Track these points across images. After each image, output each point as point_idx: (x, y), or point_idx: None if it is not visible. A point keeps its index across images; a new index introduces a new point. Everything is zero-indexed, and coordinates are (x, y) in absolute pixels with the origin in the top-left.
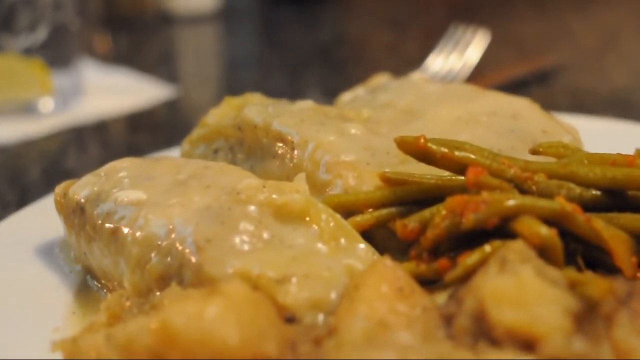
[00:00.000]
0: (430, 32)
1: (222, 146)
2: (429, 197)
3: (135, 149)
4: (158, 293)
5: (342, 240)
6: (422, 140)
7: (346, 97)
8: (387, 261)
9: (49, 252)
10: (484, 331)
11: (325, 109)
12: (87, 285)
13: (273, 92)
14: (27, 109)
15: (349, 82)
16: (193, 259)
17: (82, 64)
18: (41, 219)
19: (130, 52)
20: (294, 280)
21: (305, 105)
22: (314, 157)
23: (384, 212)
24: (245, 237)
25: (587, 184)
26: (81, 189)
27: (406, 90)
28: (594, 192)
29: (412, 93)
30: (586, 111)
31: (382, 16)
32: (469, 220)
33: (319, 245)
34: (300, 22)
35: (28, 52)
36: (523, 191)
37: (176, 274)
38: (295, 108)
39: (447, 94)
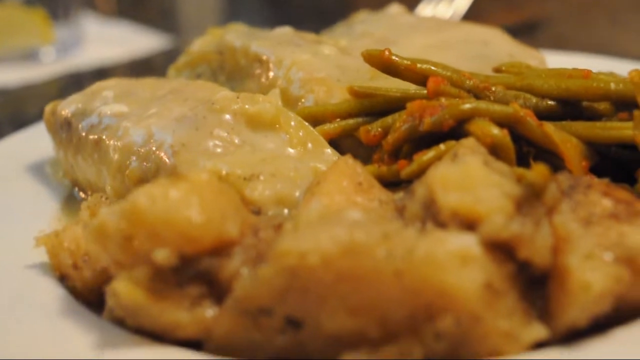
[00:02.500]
0: None
1: (205, 70)
2: (394, 107)
3: None
4: None
5: (309, 145)
6: (386, 53)
7: (326, 33)
8: (348, 159)
9: (39, 169)
10: (432, 215)
11: (302, 34)
12: (73, 197)
13: None
14: (29, 57)
15: None
16: (168, 162)
17: (83, 17)
18: (33, 141)
19: (132, 9)
20: (261, 177)
21: (283, 31)
22: (288, 74)
23: (351, 121)
24: (218, 142)
25: (542, 95)
26: (68, 105)
27: (382, 21)
28: (549, 102)
29: (387, 24)
30: None
31: None
32: (427, 122)
33: (288, 149)
34: None
35: (30, 2)
36: (480, 100)
37: (153, 176)
38: (274, 33)
39: (420, 25)
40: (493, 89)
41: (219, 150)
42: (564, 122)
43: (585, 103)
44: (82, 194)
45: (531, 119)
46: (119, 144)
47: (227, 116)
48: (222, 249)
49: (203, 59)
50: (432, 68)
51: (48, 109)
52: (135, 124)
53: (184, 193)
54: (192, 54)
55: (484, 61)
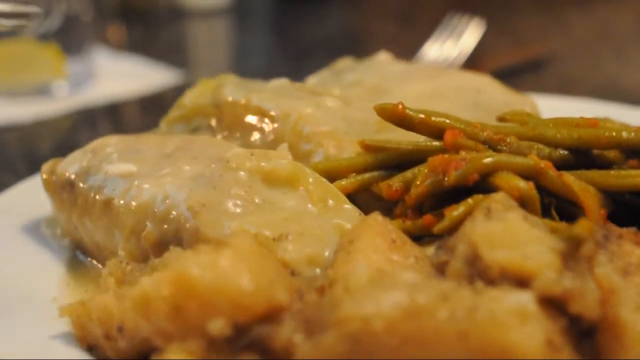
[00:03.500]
0: (430, 23)
1: (201, 124)
2: (408, 160)
3: (144, 130)
4: (155, 258)
5: (330, 202)
6: (400, 107)
7: (312, 80)
8: (378, 217)
9: (35, 230)
10: (478, 273)
11: (299, 86)
12: (77, 259)
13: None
14: (42, 92)
15: None
16: (190, 223)
17: (95, 51)
18: (28, 196)
19: (143, 43)
20: (289, 237)
21: (280, 82)
22: (295, 128)
23: (367, 176)
24: (238, 201)
25: (555, 144)
26: (70, 165)
27: (372, 70)
28: (561, 151)
29: (377, 72)
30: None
31: (386, 9)
32: (452, 176)
33: (309, 206)
34: (309, 16)
35: (43, 38)
36: (497, 152)
37: (173, 238)
38: (271, 85)
39: (411, 73)
40: (507, 140)
41: (239, 210)
42: (579, 172)
43: (595, 151)
44: (87, 257)
45: (551, 170)
46: (132, 205)
47: (243, 174)
48: (272, 316)
49: (198, 112)
50: (447, 121)
51: (46, 168)
52: (148, 184)
53: (233, 260)
54: (184, 107)
55: (479, 109)
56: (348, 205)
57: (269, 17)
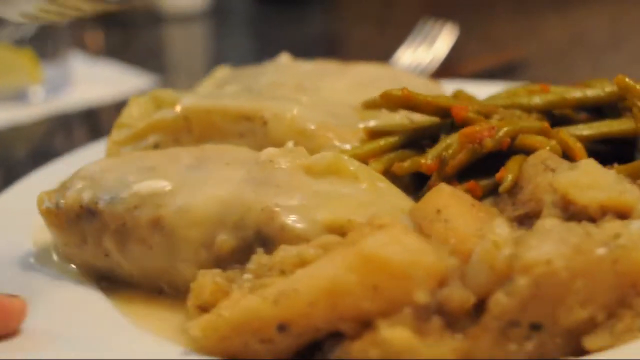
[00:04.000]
0: (407, 28)
1: (163, 139)
2: (419, 138)
3: None
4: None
5: (380, 184)
6: (406, 92)
7: (201, 87)
8: (446, 187)
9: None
10: (571, 216)
11: (244, 92)
12: (106, 288)
13: None
14: (17, 97)
15: None
16: (272, 224)
17: (71, 56)
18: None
19: (120, 48)
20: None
21: (233, 88)
22: (295, 126)
23: (385, 158)
24: (301, 196)
25: (529, 109)
26: (78, 194)
27: (283, 71)
28: (535, 114)
29: (290, 72)
30: None
31: (363, 13)
32: (489, 143)
33: (366, 191)
34: (286, 21)
35: (19, 43)
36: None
37: (255, 241)
38: (224, 92)
39: (320, 70)
40: (497, 110)
41: (311, 203)
42: (566, 127)
43: (556, 112)
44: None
45: (552, 129)
46: (190, 218)
47: (288, 171)
48: (444, 280)
49: (156, 128)
50: (450, 100)
51: (46, 204)
52: (194, 195)
53: (409, 235)
54: (130, 126)
55: None
56: (392, 186)
57: (247, 21)
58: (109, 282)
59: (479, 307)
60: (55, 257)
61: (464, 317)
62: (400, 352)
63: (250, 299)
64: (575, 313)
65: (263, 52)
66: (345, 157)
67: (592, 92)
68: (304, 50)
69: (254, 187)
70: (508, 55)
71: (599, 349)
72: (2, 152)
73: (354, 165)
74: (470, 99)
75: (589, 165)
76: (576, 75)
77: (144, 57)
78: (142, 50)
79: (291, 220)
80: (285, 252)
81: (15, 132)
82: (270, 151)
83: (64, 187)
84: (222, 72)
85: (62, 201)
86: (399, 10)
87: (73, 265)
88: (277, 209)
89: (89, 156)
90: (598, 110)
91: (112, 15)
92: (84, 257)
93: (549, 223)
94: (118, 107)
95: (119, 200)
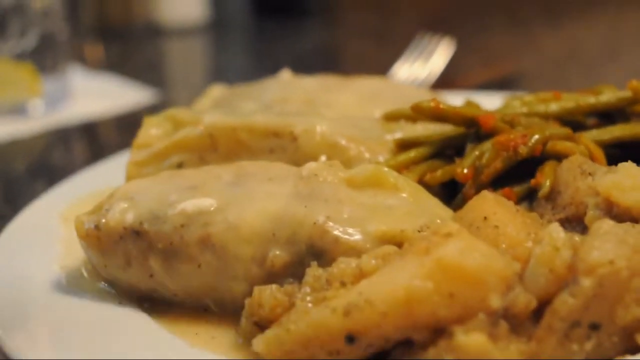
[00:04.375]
0: (404, 42)
1: (187, 158)
2: (447, 147)
3: (120, 149)
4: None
5: (419, 194)
6: (435, 103)
7: (199, 107)
8: (489, 194)
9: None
10: (616, 216)
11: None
12: (149, 309)
13: None
14: (17, 111)
15: None
16: (325, 236)
17: (70, 70)
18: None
19: (119, 61)
20: (426, 229)
21: (249, 106)
22: (327, 141)
23: (417, 168)
24: (352, 207)
25: (546, 117)
26: (120, 215)
27: (288, 87)
28: (552, 121)
29: (296, 88)
30: None
31: (361, 27)
32: (524, 150)
33: (410, 201)
34: (284, 34)
35: (19, 57)
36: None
37: (307, 255)
38: (245, 108)
39: (329, 84)
40: (519, 119)
41: (359, 215)
42: (583, 132)
43: (577, 118)
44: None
45: (575, 135)
46: (240, 235)
47: (332, 184)
48: (510, 285)
49: (180, 147)
50: (476, 111)
51: (86, 227)
52: (242, 212)
53: (477, 242)
54: (150, 146)
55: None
56: (430, 196)
57: (245, 34)
58: (151, 302)
59: (538, 311)
60: (87, 278)
61: (526, 321)
62: (476, 357)
63: (318, 312)
64: (631, 311)
65: (261, 64)
66: (385, 169)
67: (605, 97)
68: (302, 63)
69: (302, 201)
70: (504, 68)
71: None
72: (2, 166)
73: (393, 177)
74: (485, 109)
75: (629, 168)
76: (571, 88)
77: (144, 71)
78: (142, 64)
79: (345, 233)
80: (344, 264)
81: (15, 145)
82: (312, 165)
83: (101, 208)
84: (217, 90)
85: (103, 222)
86: (396, 25)
87: (104, 285)
88: (330, 222)
89: (101, 174)
90: (607, 115)
91: (111, 28)
92: (126, 278)
93: (606, 225)
94: (117, 120)
95: (164, 220)
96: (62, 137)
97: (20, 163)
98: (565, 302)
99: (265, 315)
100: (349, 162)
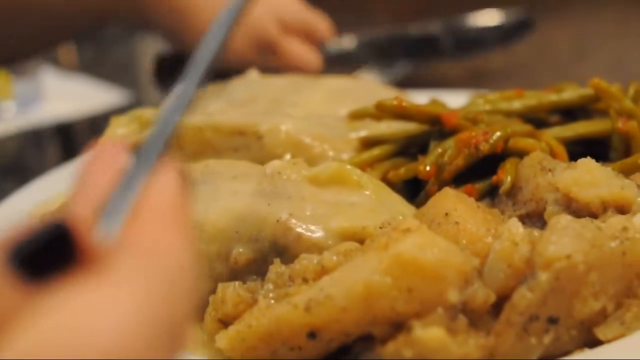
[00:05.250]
0: None
1: None
2: (411, 146)
3: None
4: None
5: (382, 191)
6: (399, 102)
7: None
8: (451, 190)
9: None
10: (575, 212)
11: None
12: None
13: None
14: None
15: None
16: (288, 234)
17: (42, 72)
18: None
19: (92, 62)
20: (388, 225)
21: (218, 105)
22: (292, 139)
23: (381, 166)
24: (312, 206)
25: (509, 114)
26: None
27: (256, 86)
28: (515, 118)
29: (263, 87)
30: None
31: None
32: (485, 147)
33: (373, 198)
34: None
35: None
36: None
37: (270, 252)
38: (209, 109)
39: (294, 84)
40: (481, 117)
41: (322, 212)
42: (545, 129)
43: (531, 115)
44: None
45: (538, 132)
46: (204, 234)
47: (296, 182)
48: (469, 280)
49: None
50: (437, 109)
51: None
52: (209, 210)
53: (435, 238)
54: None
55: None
56: (393, 192)
57: None
58: None
59: (497, 305)
60: None
61: (485, 315)
62: (435, 351)
63: (279, 308)
64: (589, 304)
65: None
66: (348, 167)
67: (567, 95)
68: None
69: (266, 199)
70: (473, 66)
71: (612, 339)
72: None
73: (357, 174)
74: (449, 107)
75: (588, 164)
76: (541, 87)
77: (116, 72)
78: (115, 65)
79: (307, 230)
80: (306, 261)
81: None
82: (275, 164)
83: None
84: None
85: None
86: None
87: None
88: (293, 220)
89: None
90: (569, 112)
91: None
92: None
93: (564, 220)
94: (90, 122)
95: None
96: (34, 138)
97: None
98: (524, 297)
99: (228, 311)
100: (313, 160)
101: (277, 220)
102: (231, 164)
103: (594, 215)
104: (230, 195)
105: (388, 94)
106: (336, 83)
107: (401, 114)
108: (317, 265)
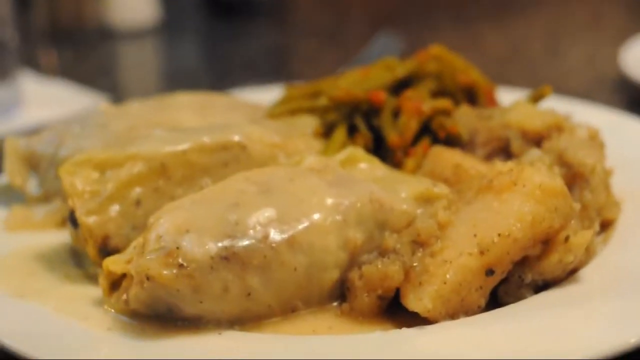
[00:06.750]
0: (354, 40)
1: (142, 193)
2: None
3: None
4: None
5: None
6: (346, 91)
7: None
8: (439, 148)
9: None
10: (530, 140)
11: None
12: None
13: None
14: None
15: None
16: (383, 208)
17: (21, 77)
18: None
19: (72, 66)
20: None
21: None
22: (267, 142)
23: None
24: (369, 182)
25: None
26: (200, 247)
27: (122, 116)
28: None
29: (130, 115)
30: None
31: (311, 27)
32: (427, 108)
33: (387, 168)
34: (237, 34)
35: None
36: None
37: (374, 228)
38: (154, 137)
39: (149, 106)
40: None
41: (385, 185)
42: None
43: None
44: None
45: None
46: (320, 230)
47: (341, 169)
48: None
49: (134, 183)
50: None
51: (159, 274)
52: (308, 210)
53: (543, 167)
54: (97, 191)
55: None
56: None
57: (197, 36)
58: (241, 324)
59: None
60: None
61: None
62: (583, 249)
63: (458, 260)
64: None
65: (213, 66)
66: (352, 148)
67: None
68: (254, 64)
69: (342, 188)
70: None
71: None
72: None
73: (364, 155)
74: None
75: (522, 105)
76: (514, 84)
77: (96, 75)
78: (94, 68)
79: (394, 201)
80: (425, 224)
81: None
82: (311, 160)
83: (192, 241)
84: (12, 144)
85: (184, 260)
86: (347, 24)
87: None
88: (378, 196)
89: None
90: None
91: (63, 32)
92: (220, 307)
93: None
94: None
95: (242, 239)
96: None
97: None
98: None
99: (388, 286)
100: (289, 156)
101: (370, 200)
102: (264, 172)
103: (543, 138)
104: (310, 193)
105: (235, 100)
106: (186, 100)
107: (345, 101)
108: (434, 224)
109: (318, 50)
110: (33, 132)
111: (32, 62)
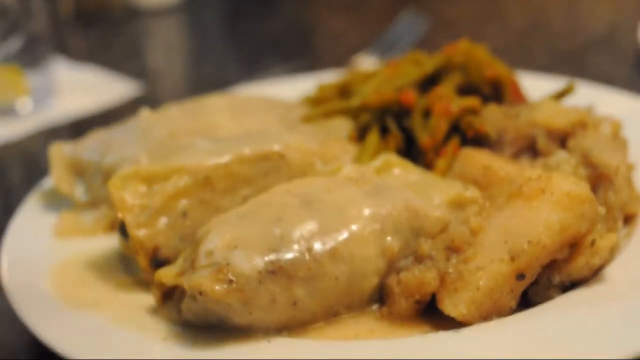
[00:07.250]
0: (379, 17)
1: (189, 205)
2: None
3: None
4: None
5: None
6: (379, 97)
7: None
8: (469, 150)
9: None
10: (555, 137)
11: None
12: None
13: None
14: (6, 112)
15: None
16: (418, 216)
17: (54, 64)
18: None
19: (100, 48)
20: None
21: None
22: (305, 150)
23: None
24: (407, 189)
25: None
26: (248, 263)
27: (162, 122)
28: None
29: (169, 121)
30: None
31: (335, 4)
32: (455, 109)
33: (422, 171)
34: (260, 12)
35: (4, 61)
36: None
37: (410, 236)
38: (196, 148)
39: (186, 110)
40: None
41: (420, 192)
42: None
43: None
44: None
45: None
46: (360, 240)
47: (376, 176)
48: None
49: (180, 196)
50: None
51: (212, 290)
52: (349, 220)
53: (569, 174)
54: (147, 205)
55: (277, 114)
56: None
57: (221, 14)
58: (288, 331)
59: None
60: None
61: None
62: (608, 252)
63: (490, 266)
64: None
65: (238, 45)
66: (387, 155)
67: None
68: (279, 41)
69: (379, 197)
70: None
71: None
72: None
73: (399, 161)
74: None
75: (548, 103)
76: (535, 59)
77: (124, 56)
78: (121, 49)
79: (428, 208)
80: (456, 230)
81: (7, 150)
82: (348, 169)
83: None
84: (58, 151)
85: (234, 276)
86: (371, 1)
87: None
88: (413, 203)
89: None
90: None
91: (89, 14)
92: (269, 317)
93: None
94: (104, 116)
95: (287, 252)
96: (53, 137)
97: (16, 168)
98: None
99: (425, 291)
100: (326, 163)
101: (405, 208)
102: (304, 183)
103: (569, 135)
104: (350, 204)
105: (273, 99)
106: (222, 102)
107: (379, 105)
108: (467, 230)
109: (342, 27)
110: (70, 124)
111: (61, 47)
